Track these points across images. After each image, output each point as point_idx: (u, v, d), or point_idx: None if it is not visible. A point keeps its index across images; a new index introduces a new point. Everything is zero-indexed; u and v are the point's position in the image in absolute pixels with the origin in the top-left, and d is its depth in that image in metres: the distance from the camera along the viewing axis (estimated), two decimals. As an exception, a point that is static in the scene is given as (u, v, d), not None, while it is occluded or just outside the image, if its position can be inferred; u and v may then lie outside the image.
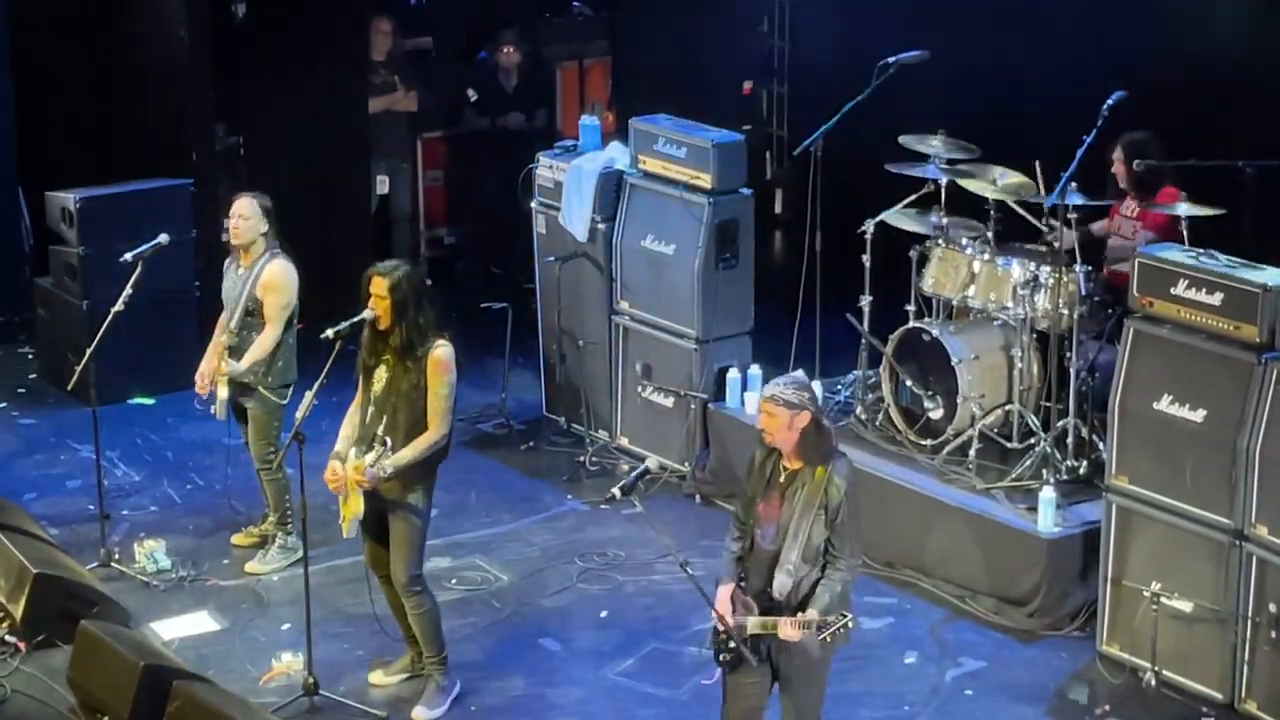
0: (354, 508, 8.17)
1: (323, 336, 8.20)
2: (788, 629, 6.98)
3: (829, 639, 6.95)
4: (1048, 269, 9.52)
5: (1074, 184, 9.26)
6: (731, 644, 7.14)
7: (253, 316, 9.34)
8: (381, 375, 8.20)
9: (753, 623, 7.10)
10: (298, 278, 9.38)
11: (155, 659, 8.16)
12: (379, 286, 8.09)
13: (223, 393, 9.36)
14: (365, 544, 8.41)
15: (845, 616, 6.96)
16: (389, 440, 8.06)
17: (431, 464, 8.23)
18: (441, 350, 8.13)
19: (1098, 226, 10.03)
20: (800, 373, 7.26)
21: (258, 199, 9.37)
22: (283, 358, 9.37)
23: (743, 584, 7.18)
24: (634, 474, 7.35)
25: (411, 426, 8.12)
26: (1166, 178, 9.77)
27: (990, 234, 9.85)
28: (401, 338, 8.11)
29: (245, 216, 9.35)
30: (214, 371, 9.37)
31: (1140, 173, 9.78)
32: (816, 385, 10.16)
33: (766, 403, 7.08)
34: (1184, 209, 9.36)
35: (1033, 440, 9.60)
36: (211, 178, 12.21)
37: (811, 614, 7.00)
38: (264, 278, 9.31)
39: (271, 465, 9.44)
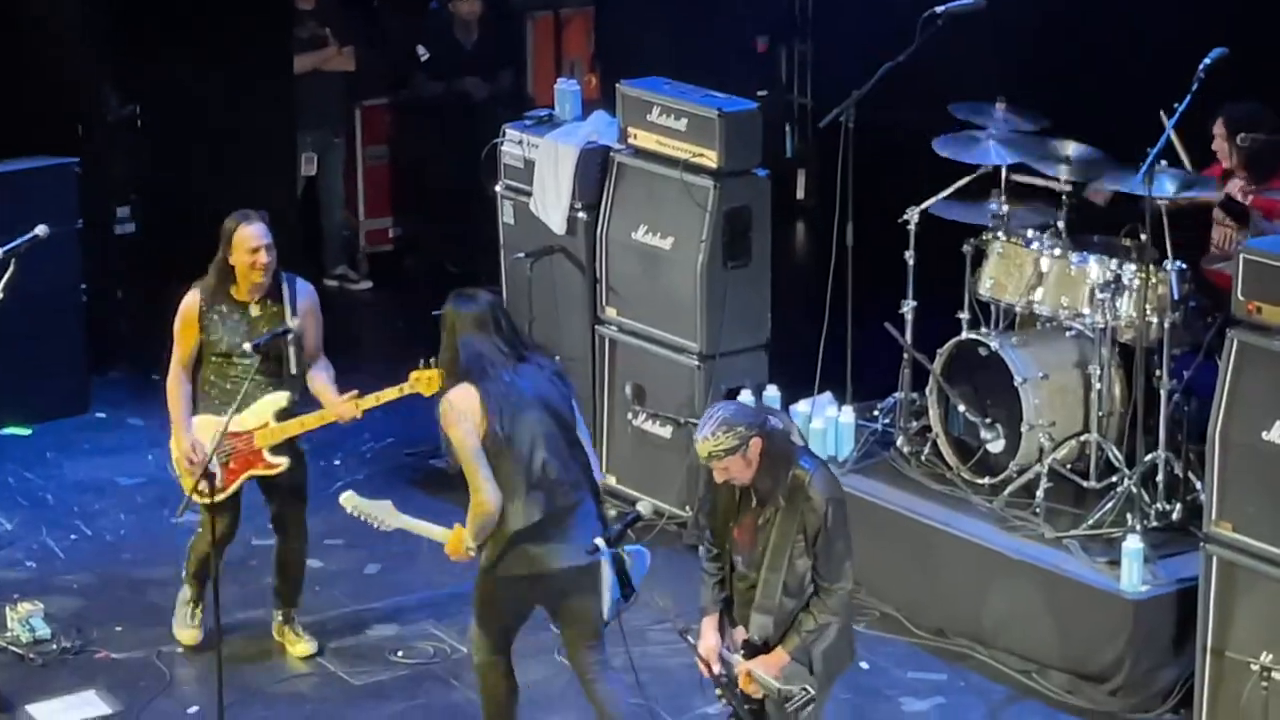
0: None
1: (243, 349, 8.34)
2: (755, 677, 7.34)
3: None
4: (1132, 267, 9.54)
5: (1164, 162, 9.27)
6: (726, 682, 7.41)
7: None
8: None
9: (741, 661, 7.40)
10: None
11: (32, 751, 8.18)
12: None
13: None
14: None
15: (808, 691, 7.29)
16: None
17: None
18: (450, 394, 8.05)
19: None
20: (717, 408, 7.34)
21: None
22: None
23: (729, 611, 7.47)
24: (623, 521, 7.49)
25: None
26: None
27: (1061, 224, 9.87)
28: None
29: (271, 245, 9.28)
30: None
31: (1250, 150, 9.79)
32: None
33: (711, 461, 7.30)
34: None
35: (1114, 479, 9.62)
36: (102, 155, 12.24)
37: (780, 657, 7.33)
38: (303, 302, 9.22)
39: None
